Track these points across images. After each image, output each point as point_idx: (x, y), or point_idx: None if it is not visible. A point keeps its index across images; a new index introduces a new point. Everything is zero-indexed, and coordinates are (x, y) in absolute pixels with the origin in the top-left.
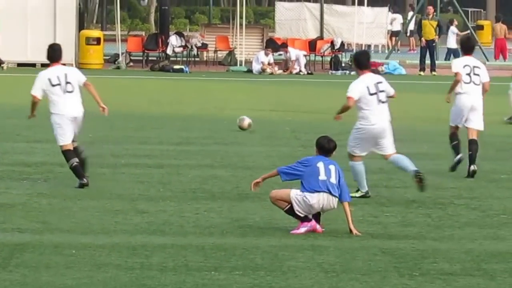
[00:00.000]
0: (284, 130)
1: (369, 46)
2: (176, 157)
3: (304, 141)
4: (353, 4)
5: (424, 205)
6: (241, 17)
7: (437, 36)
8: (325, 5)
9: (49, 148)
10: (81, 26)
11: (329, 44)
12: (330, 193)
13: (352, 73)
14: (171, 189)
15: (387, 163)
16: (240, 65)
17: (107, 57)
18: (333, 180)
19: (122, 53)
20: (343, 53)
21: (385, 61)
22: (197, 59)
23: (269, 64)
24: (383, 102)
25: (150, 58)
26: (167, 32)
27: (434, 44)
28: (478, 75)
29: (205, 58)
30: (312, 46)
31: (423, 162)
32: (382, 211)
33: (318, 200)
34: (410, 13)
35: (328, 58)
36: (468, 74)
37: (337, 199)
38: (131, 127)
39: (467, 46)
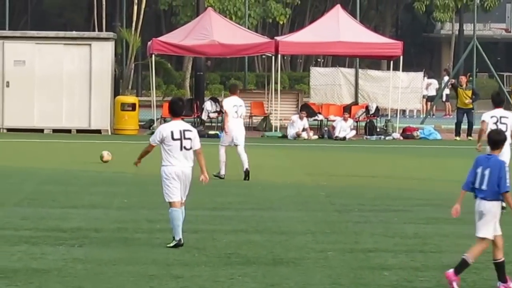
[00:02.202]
0: (319, 195)
1: (404, 111)
2: (211, 222)
3: (339, 206)
4: (388, 69)
5: None
6: (276, 83)
7: (471, 102)
8: (360, 70)
9: (85, 214)
10: (116, 92)
11: (363, 109)
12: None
13: (387, 138)
14: (206, 254)
15: (423, 228)
16: (275, 130)
17: (142, 123)
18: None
19: (157, 119)
20: (378, 118)
21: (420, 126)
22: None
23: (304, 129)
24: None
25: None
26: (202, 98)
27: (472, 111)
28: (505, 124)
29: None
30: (346, 111)
31: (458, 226)
32: (416, 275)
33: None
34: (446, 78)
35: (363, 123)
36: (495, 123)
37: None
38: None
39: (497, 100)
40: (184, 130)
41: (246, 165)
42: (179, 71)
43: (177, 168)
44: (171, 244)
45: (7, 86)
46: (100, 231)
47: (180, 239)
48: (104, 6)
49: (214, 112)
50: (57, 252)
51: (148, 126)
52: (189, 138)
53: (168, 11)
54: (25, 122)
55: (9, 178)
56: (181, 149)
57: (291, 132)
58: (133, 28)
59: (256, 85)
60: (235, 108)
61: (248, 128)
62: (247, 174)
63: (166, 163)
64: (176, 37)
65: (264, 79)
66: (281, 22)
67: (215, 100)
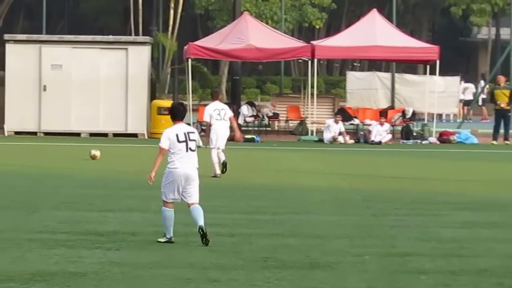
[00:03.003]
0: (355, 199)
1: (440, 115)
2: (247, 226)
3: (375, 210)
4: (424, 73)
5: (496, 274)
6: (312, 87)
7: (508, 104)
8: (396, 74)
9: (122, 217)
10: (153, 96)
11: (400, 114)
12: None
13: (424, 142)
14: (242, 258)
15: (460, 232)
16: (311, 134)
17: None
18: None
19: (194, 123)
20: (414, 123)
21: (457, 131)
22: (268, 128)
23: (340, 133)
24: None
25: None
26: (239, 102)
27: (509, 114)
28: None
29: (276, 128)
30: (383, 115)
31: (495, 230)
32: (453, 280)
33: None
34: (482, 82)
35: (399, 128)
36: None
37: None
38: (203, 196)
39: None
40: (188, 132)
41: (223, 158)
42: (216, 75)
43: (183, 170)
44: (162, 240)
45: (44, 90)
46: (137, 234)
47: (171, 237)
48: (140, 11)
49: (250, 116)
50: (94, 256)
51: None
52: (194, 140)
53: (205, 16)
54: (62, 126)
55: (46, 181)
56: (186, 151)
57: (327, 136)
58: (169, 32)
59: (292, 89)
60: (217, 111)
61: (284, 132)
62: (224, 165)
63: (172, 165)
64: (212, 41)
65: (300, 83)
66: (317, 27)
67: (251, 104)
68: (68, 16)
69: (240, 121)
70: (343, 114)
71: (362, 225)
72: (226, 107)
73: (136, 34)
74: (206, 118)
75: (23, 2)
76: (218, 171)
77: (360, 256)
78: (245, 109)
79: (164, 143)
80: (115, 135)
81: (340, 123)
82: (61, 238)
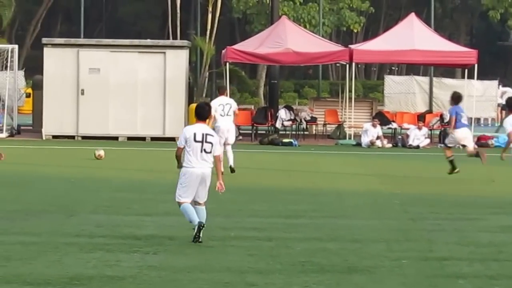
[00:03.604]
0: (393, 203)
1: (478, 119)
2: (285, 230)
3: (413, 214)
4: (462, 77)
5: None
6: (350, 91)
7: None
8: (434, 78)
9: (159, 221)
10: (190, 99)
11: (438, 118)
12: None
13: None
14: (280, 262)
15: (498, 236)
16: (349, 138)
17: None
18: None
19: None
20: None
21: (495, 135)
22: (306, 132)
23: (378, 137)
24: None
25: (259, 132)
26: (276, 106)
27: None
28: None
29: (314, 132)
30: (421, 119)
31: None
32: (492, 284)
33: None
34: None
35: (437, 132)
36: None
37: None
38: (240, 200)
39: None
40: (206, 134)
41: (231, 162)
42: (253, 79)
43: (197, 169)
44: (195, 229)
45: (82, 94)
46: (174, 238)
47: (199, 222)
48: (178, 14)
49: (288, 120)
50: (132, 260)
51: None
52: (210, 142)
53: (242, 20)
54: (99, 130)
55: (84, 185)
56: (201, 151)
57: (364, 140)
58: (207, 36)
59: (330, 93)
60: (221, 106)
61: (322, 136)
62: (232, 171)
63: (187, 164)
64: (250, 45)
65: (338, 87)
66: (355, 30)
67: (289, 108)
68: (106, 20)
69: (278, 125)
70: (381, 118)
71: (400, 229)
72: (231, 101)
73: (174, 38)
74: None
75: (61, 6)
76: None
77: (398, 260)
78: (283, 113)
79: (181, 143)
80: (153, 139)
81: (378, 127)
82: (98, 242)
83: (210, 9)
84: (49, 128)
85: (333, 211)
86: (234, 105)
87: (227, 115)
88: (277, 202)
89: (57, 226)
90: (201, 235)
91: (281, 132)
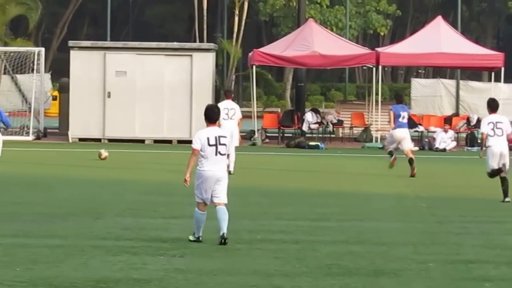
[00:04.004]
0: (420, 206)
1: None
2: (311, 232)
3: (440, 217)
4: (489, 80)
5: None
6: (376, 94)
7: None
8: (461, 82)
9: (186, 224)
10: (217, 102)
11: (465, 121)
12: None
13: None
14: (306, 265)
15: None
16: (376, 141)
17: (243, 134)
18: None
19: (258, 130)
20: (479, 130)
21: None
22: (332, 135)
23: None
24: None
25: (285, 135)
26: (303, 109)
27: None
28: (500, 128)
29: (340, 135)
30: (447, 122)
31: None
32: None
33: None
34: None
35: (464, 135)
36: (492, 129)
37: None
38: (267, 203)
39: (492, 105)
40: (220, 136)
41: (231, 167)
42: (280, 82)
43: (212, 172)
44: (192, 238)
45: (109, 96)
46: (200, 241)
47: (199, 237)
48: (205, 17)
49: (315, 123)
50: (158, 262)
51: (249, 137)
52: (224, 144)
53: (269, 22)
54: (126, 133)
55: (110, 188)
56: (216, 154)
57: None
58: (234, 39)
59: (356, 96)
60: (226, 110)
61: (349, 139)
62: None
63: (201, 167)
64: (277, 48)
65: (365, 90)
66: (382, 33)
67: (316, 111)
68: (133, 23)
69: (305, 128)
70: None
71: (426, 232)
72: (236, 106)
73: (201, 40)
74: None
75: (88, 9)
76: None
77: (424, 263)
78: (309, 116)
79: (196, 144)
80: (179, 141)
81: None
82: (125, 244)
83: (236, 12)
84: (75, 131)
85: (360, 214)
86: (238, 112)
87: (230, 119)
88: (304, 204)
89: (83, 229)
90: (226, 244)
91: (307, 135)
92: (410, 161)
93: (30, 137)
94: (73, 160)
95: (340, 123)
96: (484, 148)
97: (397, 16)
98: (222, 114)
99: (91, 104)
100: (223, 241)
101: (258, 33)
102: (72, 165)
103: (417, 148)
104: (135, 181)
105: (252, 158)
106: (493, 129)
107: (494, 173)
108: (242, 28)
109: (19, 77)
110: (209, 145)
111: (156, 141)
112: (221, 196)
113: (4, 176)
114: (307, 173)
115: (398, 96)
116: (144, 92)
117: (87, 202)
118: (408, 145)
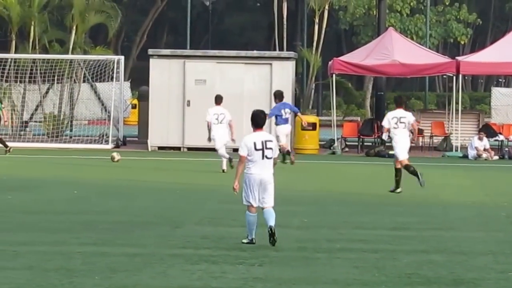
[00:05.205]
0: (500, 216)
1: None
2: (391, 242)
3: None
4: None
5: None
6: (457, 103)
7: None
8: None
9: (264, 233)
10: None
11: None
12: None
13: None
14: (385, 274)
15: None
16: (456, 150)
17: (323, 142)
18: None
19: (338, 139)
20: None
21: None
22: (412, 144)
23: (485, 149)
24: None
25: (365, 144)
26: (383, 118)
27: None
28: (404, 122)
29: (420, 144)
30: None
31: None
32: None
33: None
34: None
35: None
36: (396, 123)
37: None
38: (346, 212)
39: (398, 101)
40: (266, 141)
41: (224, 166)
42: (360, 90)
43: (259, 176)
44: (245, 241)
45: (188, 105)
46: (280, 250)
47: (252, 239)
48: (285, 26)
49: None
50: (237, 271)
51: (328, 146)
52: (271, 148)
53: (349, 31)
54: (205, 141)
55: (190, 197)
56: (262, 158)
57: (471, 152)
58: (313, 48)
59: (436, 105)
60: (216, 116)
61: (429, 148)
62: (230, 160)
63: (249, 171)
64: (356, 56)
65: (445, 99)
66: (462, 42)
67: None
68: (212, 31)
69: (384, 136)
70: (488, 130)
71: (506, 241)
72: (226, 111)
73: (280, 49)
74: (207, 119)
75: (167, 17)
76: (224, 167)
77: (504, 273)
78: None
79: (243, 151)
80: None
81: (485, 139)
82: (204, 253)
83: (316, 20)
84: (154, 139)
85: (440, 223)
86: (228, 115)
87: (220, 123)
88: (383, 214)
89: (162, 238)
90: (275, 237)
91: (387, 144)
92: (287, 153)
93: (110, 145)
94: (153, 169)
95: (420, 132)
96: None
97: (477, 25)
98: (213, 120)
99: (171, 113)
100: (270, 231)
101: (338, 42)
102: (151, 173)
103: (497, 157)
104: (214, 189)
105: (331, 166)
106: (396, 123)
107: None
108: (322, 36)
109: (99, 85)
110: (256, 149)
111: (235, 150)
112: (268, 202)
113: (84, 184)
114: (386, 182)
115: (279, 94)
116: (224, 101)
117: (166, 210)
118: (284, 140)
